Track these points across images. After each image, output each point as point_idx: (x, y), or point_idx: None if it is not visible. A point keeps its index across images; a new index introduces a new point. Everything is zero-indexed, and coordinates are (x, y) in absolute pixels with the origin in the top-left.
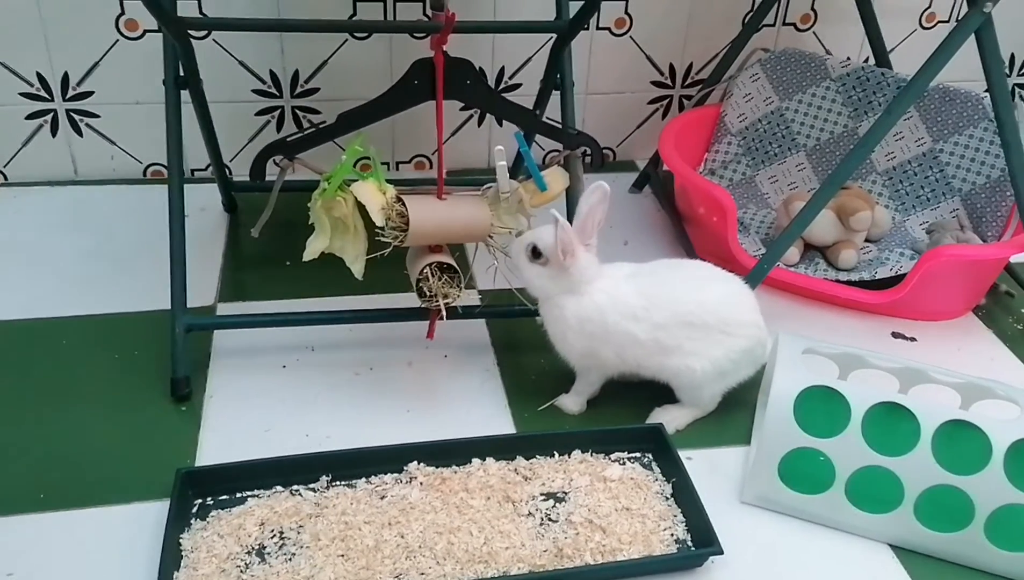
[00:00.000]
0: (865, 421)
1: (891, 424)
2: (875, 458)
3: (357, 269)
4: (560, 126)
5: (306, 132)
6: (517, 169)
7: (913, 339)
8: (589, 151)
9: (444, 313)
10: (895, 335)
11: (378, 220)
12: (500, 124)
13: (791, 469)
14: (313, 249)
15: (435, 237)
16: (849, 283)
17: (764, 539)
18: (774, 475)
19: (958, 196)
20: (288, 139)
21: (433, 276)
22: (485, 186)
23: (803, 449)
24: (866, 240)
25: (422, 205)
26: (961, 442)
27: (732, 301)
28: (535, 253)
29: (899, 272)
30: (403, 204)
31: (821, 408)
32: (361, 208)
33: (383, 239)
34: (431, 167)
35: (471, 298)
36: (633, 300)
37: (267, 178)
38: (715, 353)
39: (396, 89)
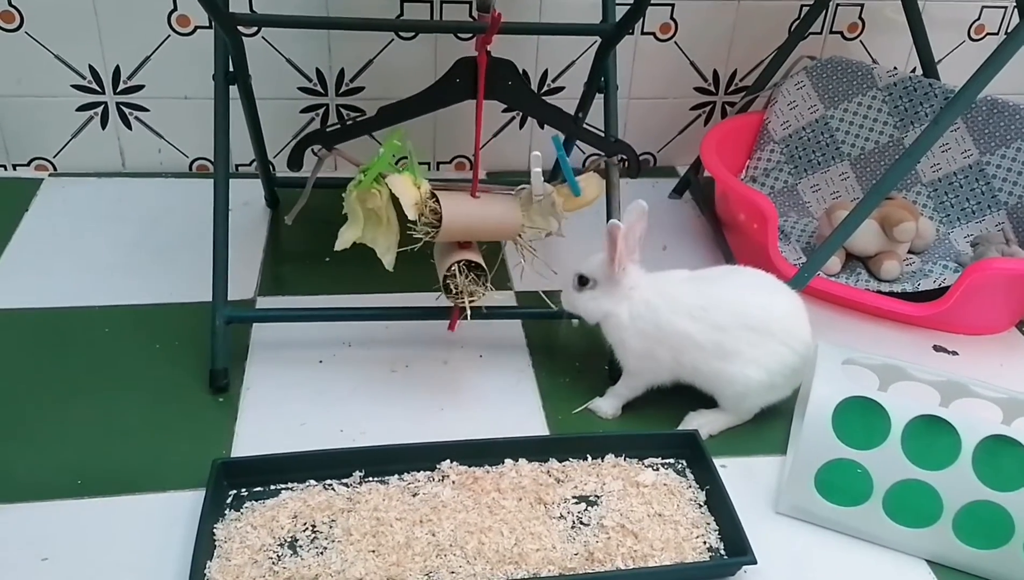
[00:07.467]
0: (905, 434)
1: (931, 437)
2: (914, 471)
3: (388, 260)
4: (598, 132)
5: (345, 123)
6: (555, 173)
7: (955, 353)
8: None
9: (468, 312)
10: (937, 349)
11: (411, 214)
12: (542, 127)
13: (828, 480)
14: (345, 239)
15: (466, 234)
16: (891, 294)
17: (798, 550)
18: (810, 486)
19: (1004, 209)
20: (327, 129)
21: (460, 273)
22: (519, 187)
23: (841, 460)
24: (909, 252)
25: (455, 202)
26: (1002, 458)
27: (796, 314)
28: (581, 281)
29: (942, 285)
30: (436, 200)
31: (860, 419)
32: (395, 201)
33: (415, 233)
34: (471, 168)
35: (503, 297)
36: (689, 299)
37: (305, 169)
38: (772, 365)
39: (437, 86)
